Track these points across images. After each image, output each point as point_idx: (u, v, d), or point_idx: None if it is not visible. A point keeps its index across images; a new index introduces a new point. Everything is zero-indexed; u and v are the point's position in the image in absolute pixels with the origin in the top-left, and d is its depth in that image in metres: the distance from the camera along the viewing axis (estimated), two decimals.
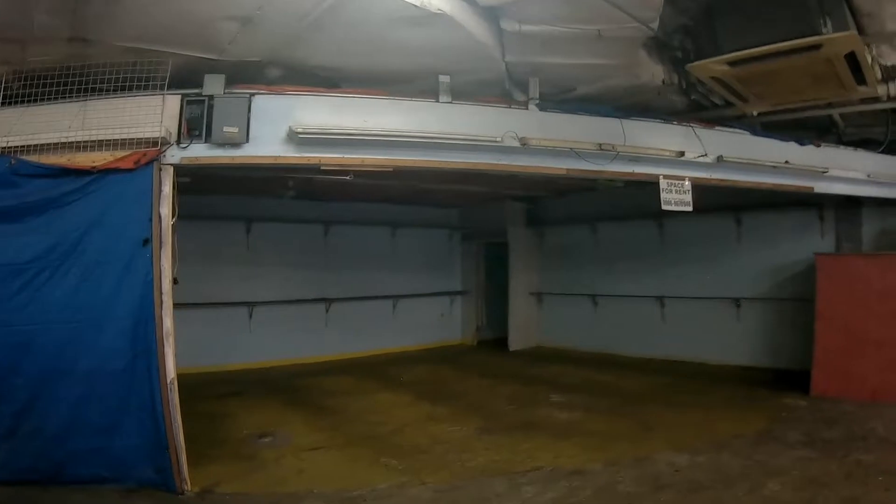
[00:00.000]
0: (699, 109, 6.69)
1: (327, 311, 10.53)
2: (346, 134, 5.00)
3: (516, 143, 5.43)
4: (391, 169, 5.35)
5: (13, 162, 4.53)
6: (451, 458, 5.51)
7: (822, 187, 7.10)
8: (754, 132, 6.83)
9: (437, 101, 5.40)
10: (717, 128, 6.52)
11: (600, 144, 5.61)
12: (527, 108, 5.76)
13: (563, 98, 6.07)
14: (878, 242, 8.05)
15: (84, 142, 4.58)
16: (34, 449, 4.54)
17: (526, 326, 11.66)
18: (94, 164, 4.56)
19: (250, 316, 9.73)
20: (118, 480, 4.60)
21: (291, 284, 10.16)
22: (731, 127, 6.65)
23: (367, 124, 5.06)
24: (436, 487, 4.80)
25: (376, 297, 11.03)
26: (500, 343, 11.71)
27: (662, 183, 5.99)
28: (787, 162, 6.68)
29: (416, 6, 4.18)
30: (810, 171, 6.84)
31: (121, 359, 4.56)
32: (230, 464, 5.29)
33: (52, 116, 4.64)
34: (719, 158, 6.20)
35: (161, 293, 4.65)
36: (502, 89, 5.82)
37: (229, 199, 9.35)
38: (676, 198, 6.05)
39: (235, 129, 4.76)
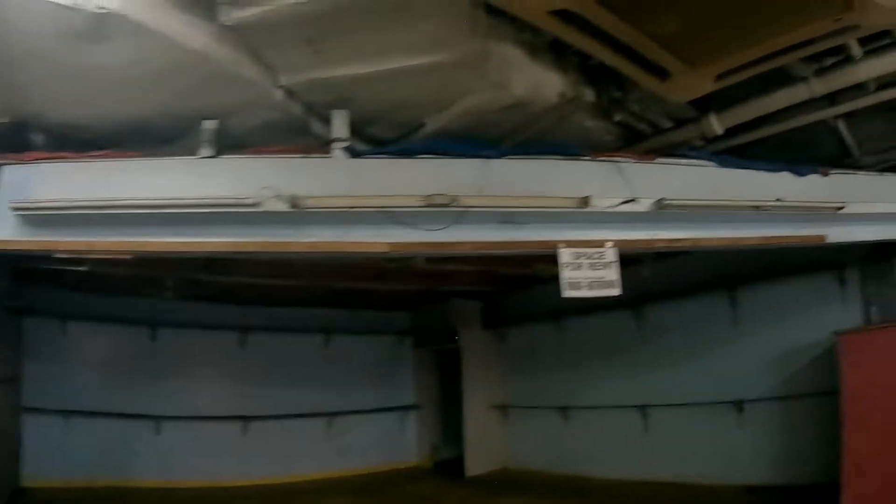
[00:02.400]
0: (637, 140, 4.93)
1: (245, 430, 8.90)
2: (78, 208, 3.73)
3: (283, 207, 3.69)
4: (129, 257, 4.15)
5: None
6: None
7: (838, 234, 4.96)
8: (723, 162, 4.73)
9: (198, 157, 4.00)
10: (659, 160, 4.30)
11: (430, 197, 3.15)
12: (329, 156, 4.06)
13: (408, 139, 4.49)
14: None
15: None
16: None
17: (487, 446, 9.59)
18: None
19: (157, 431, 8.34)
20: None
21: (204, 398, 8.80)
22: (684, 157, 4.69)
23: (108, 194, 3.76)
24: None
25: (305, 416, 9.36)
26: (462, 464, 9.70)
27: (563, 255, 3.52)
28: (778, 200, 4.53)
29: (66, 6, 2.99)
30: (817, 210, 4.74)
31: None
32: None
33: None
34: (660, 204, 3.66)
35: None
36: (310, 133, 4.31)
37: (133, 300, 8.29)
38: (590, 276, 3.64)
39: None
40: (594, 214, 4.03)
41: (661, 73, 3.58)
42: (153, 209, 3.68)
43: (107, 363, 8.29)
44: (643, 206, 4.04)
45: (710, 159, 4.65)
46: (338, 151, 4.00)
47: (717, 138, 4.81)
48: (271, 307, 9.24)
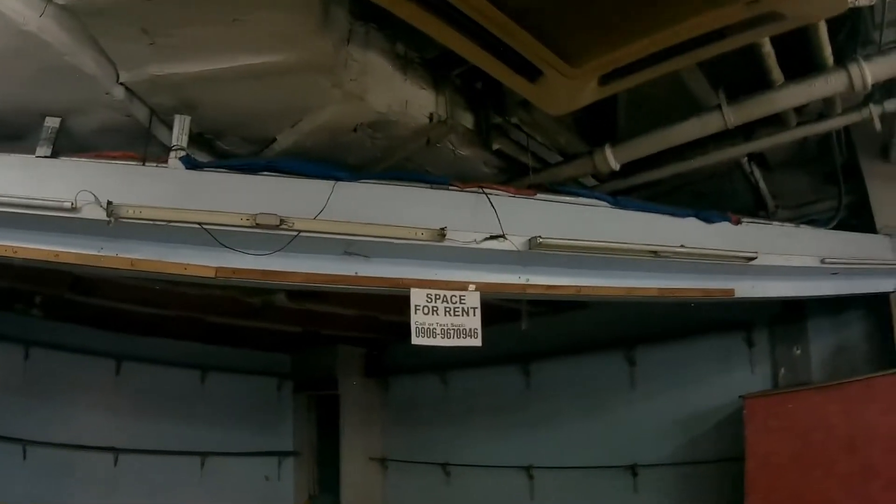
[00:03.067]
0: (519, 174, 4.55)
1: (116, 462, 8.13)
2: None
3: (100, 215, 3.14)
4: None
5: None
6: None
7: (747, 289, 4.57)
8: (618, 203, 4.28)
9: (34, 157, 3.49)
10: (541, 196, 3.77)
11: (257, 217, 2.71)
12: (164, 166, 3.55)
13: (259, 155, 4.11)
14: (833, 366, 5.42)
15: None
16: None
17: (364, 500, 8.99)
18: None
19: (24, 456, 7.51)
20: None
21: (75, 426, 8.00)
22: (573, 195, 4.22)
23: None
24: None
25: (178, 453, 8.62)
26: None
27: (415, 295, 3.04)
28: (682, 246, 4.07)
29: None
30: (726, 259, 4.26)
31: None
32: None
33: None
34: (533, 243, 3.23)
35: None
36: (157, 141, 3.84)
37: (7, 316, 7.38)
38: (446, 323, 3.08)
39: None
40: (455, 251, 3.57)
41: (533, 73, 2.97)
42: None
43: None
44: (514, 244, 3.58)
45: (602, 199, 4.24)
46: (174, 161, 3.51)
47: (614, 177, 4.46)
48: (149, 337, 8.57)
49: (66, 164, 3.42)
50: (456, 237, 3.45)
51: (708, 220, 4.42)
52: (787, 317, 5.61)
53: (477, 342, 3.56)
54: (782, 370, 5.66)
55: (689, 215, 4.38)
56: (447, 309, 3.51)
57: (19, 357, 7.73)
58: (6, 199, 3.09)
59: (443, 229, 3.37)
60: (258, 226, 3.12)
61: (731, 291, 4.49)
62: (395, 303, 3.82)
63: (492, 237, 3.50)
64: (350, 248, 3.41)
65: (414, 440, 8.83)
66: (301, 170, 3.55)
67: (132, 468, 8.23)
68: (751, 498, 4.74)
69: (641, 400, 6.55)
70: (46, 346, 7.84)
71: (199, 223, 3.17)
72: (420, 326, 3.44)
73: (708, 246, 4.17)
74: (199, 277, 3.35)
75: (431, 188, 3.74)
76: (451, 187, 3.76)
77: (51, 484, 7.63)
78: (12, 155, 3.41)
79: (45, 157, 3.43)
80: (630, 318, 6.39)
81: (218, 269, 3.28)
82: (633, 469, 6.37)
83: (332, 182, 3.45)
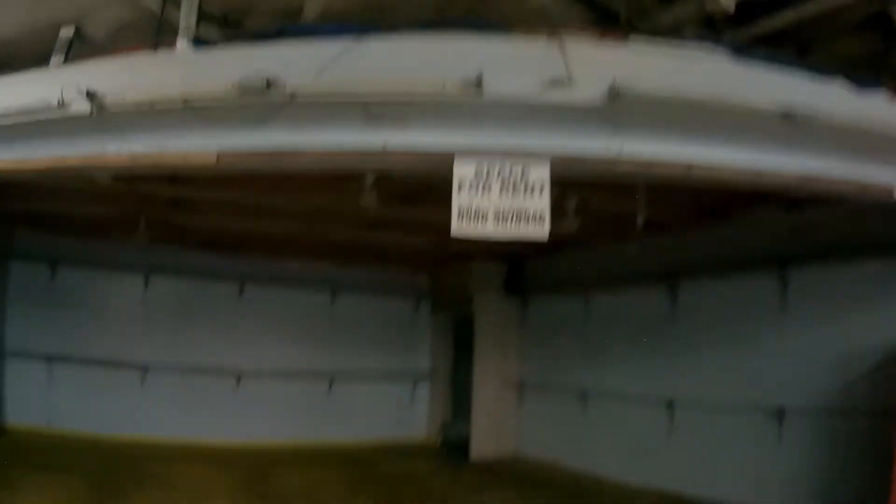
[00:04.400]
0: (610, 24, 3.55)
1: (238, 386, 8.23)
2: None
3: (84, 109, 2.86)
4: None
5: None
6: None
7: None
8: (738, 53, 3.08)
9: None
10: (634, 42, 2.99)
11: (245, 86, 2.66)
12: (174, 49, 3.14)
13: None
14: None
15: None
16: None
17: (497, 429, 8.27)
18: None
19: (142, 381, 7.90)
20: None
21: (195, 350, 8.20)
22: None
23: None
24: None
25: (307, 374, 8.57)
26: None
27: (460, 167, 2.69)
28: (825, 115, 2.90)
29: None
30: (886, 142, 3.08)
31: None
32: None
33: None
34: (615, 93, 2.29)
35: None
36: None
37: (130, 248, 7.66)
38: (504, 206, 2.41)
39: None
40: (515, 110, 2.64)
41: None
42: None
43: (96, 310, 8.03)
44: (587, 94, 2.55)
45: (716, 47, 3.03)
46: (181, 43, 3.07)
47: (728, 26, 3.15)
48: (275, 259, 8.50)
49: (75, 68, 3.22)
50: (495, 87, 2.52)
51: (860, 86, 3.09)
52: None
53: (542, 232, 2.67)
54: None
55: (833, 75, 3.08)
56: (504, 186, 2.65)
57: (141, 286, 8.09)
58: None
59: (479, 78, 2.45)
60: (244, 92, 2.51)
61: (891, 190, 3.13)
62: None
63: (555, 84, 2.50)
64: (372, 113, 2.66)
65: (552, 366, 7.97)
66: (317, 32, 2.86)
67: (255, 393, 8.33)
68: None
69: (791, 330, 5.27)
70: (169, 273, 8.09)
71: (184, 100, 2.66)
72: (465, 210, 2.62)
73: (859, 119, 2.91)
74: (202, 167, 2.89)
75: (481, 35, 2.80)
76: (507, 33, 2.79)
77: (170, 410, 7.99)
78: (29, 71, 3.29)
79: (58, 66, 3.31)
80: (784, 233, 5.27)
81: (220, 156, 2.79)
82: (779, 413, 5.19)
83: (349, 39, 2.70)
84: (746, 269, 5.58)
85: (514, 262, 8.40)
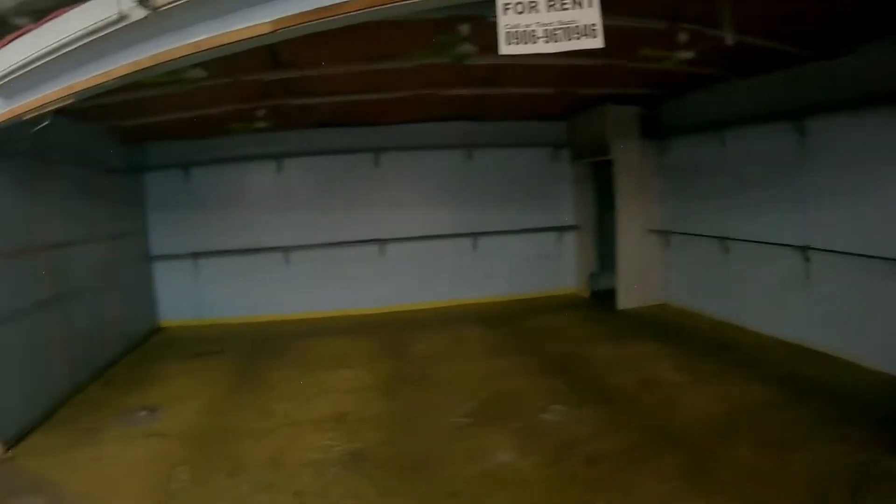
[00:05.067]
0: None
1: (381, 253, 8.70)
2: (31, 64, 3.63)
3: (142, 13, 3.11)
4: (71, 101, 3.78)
5: None
6: None
7: None
8: None
9: None
10: None
11: None
12: None
13: None
14: None
15: None
16: None
17: (643, 277, 8.14)
18: None
19: (286, 262, 8.57)
20: None
21: (335, 225, 8.65)
22: None
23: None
24: None
25: (448, 236, 8.81)
26: None
27: None
28: None
29: None
30: None
31: None
32: (67, 436, 4.86)
33: None
34: None
35: None
36: None
37: (260, 137, 8.11)
38: (553, 20, 2.71)
39: None
40: None
41: None
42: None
43: (234, 202, 8.45)
44: None
45: None
46: None
47: None
48: (406, 124, 8.52)
49: None
50: None
51: None
52: None
53: (596, 42, 2.72)
54: None
55: None
56: (551, 2, 2.73)
57: (272, 171, 8.48)
58: (71, 37, 3.36)
59: None
60: None
61: None
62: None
63: None
64: None
65: (692, 212, 7.58)
66: None
67: (399, 259, 8.73)
68: None
69: None
70: (299, 154, 8.38)
71: None
72: (512, 30, 2.78)
73: None
74: (257, 38, 3.06)
75: None
76: None
77: (316, 286, 8.57)
78: None
79: None
80: None
81: (274, 23, 2.96)
82: None
83: None
84: (873, 106, 4.77)
85: (649, 104, 7.85)
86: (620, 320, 7.66)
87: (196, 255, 8.39)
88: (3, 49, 3.78)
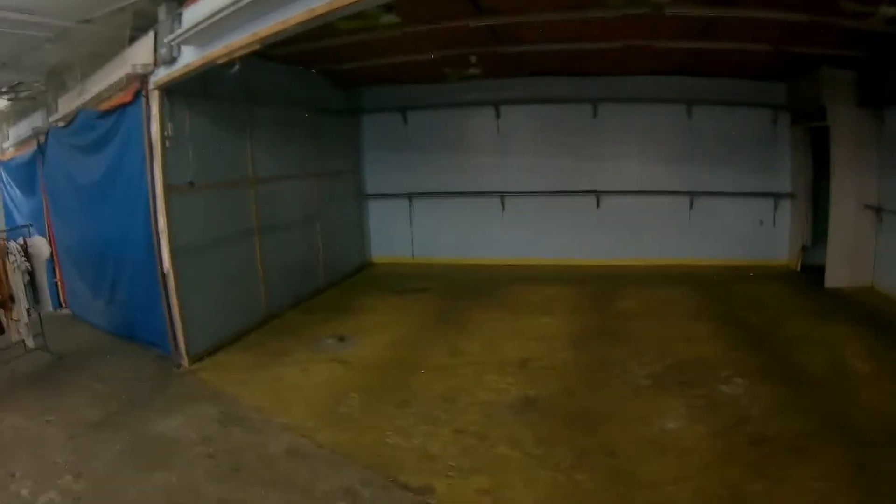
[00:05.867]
0: None
1: (598, 205, 8.88)
2: (214, 17, 4.35)
3: None
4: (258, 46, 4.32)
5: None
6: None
7: None
8: None
9: None
10: None
11: None
12: None
13: None
14: None
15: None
16: (119, 313, 6.43)
17: (853, 254, 7.46)
18: (112, 104, 5.77)
19: (502, 208, 9.02)
20: (159, 346, 5.94)
21: (551, 174, 8.98)
22: None
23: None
24: None
25: (663, 193, 8.77)
26: None
27: None
28: None
29: None
30: None
31: (143, 249, 5.72)
32: (254, 356, 5.67)
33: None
34: None
35: (154, 197, 5.51)
36: None
37: (477, 83, 8.62)
38: None
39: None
40: None
41: None
42: None
43: (451, 147, 8.97)
44: None
45: None
46: None
47: None
48: (623, 76, 8.47)
49: None
50: None
51: None
52: None
53: None
54: None
55: None
56: None
57: (491, 117, 8.87)
58: None
59: None
60: None
61: None
62: None
63: None
64: None
65: None
66: None
67: (612, 213, 8.87)
68: None
69: None
70: (514, 101, 8.66)
71: None
72: None
73: None
74: None
75: None
76: None
77: (528, 234, 8.93)
78: None
79: None
80: None
81: None
82: None
83: None
84: None
85: (867, 70, 6.99)
86: (825, 299, 7.18)
87: (411, 196, 9.04)
88: (196, 4, 4.64)
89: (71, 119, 6.64)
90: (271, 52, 5.84)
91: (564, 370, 4.96)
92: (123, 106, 5.73)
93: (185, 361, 5.70)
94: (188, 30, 4.75)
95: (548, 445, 3.78)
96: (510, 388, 4.62)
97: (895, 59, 6.41)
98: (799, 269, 8.50)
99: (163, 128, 5.49)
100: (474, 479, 3.46)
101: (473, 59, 7.12)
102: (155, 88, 5.46)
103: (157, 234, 5.58)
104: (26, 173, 8.19)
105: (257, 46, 4.36)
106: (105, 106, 6.00)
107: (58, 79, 7.40)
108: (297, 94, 7.66)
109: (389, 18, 5.32)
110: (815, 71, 7.35)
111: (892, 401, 4.26)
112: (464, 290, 7.64)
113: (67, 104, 6.96)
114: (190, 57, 5.06)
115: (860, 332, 5.71)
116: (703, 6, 5.18)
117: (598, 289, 7.57)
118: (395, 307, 7.07)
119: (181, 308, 5.63)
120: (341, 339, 6.07)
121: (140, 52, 5.51)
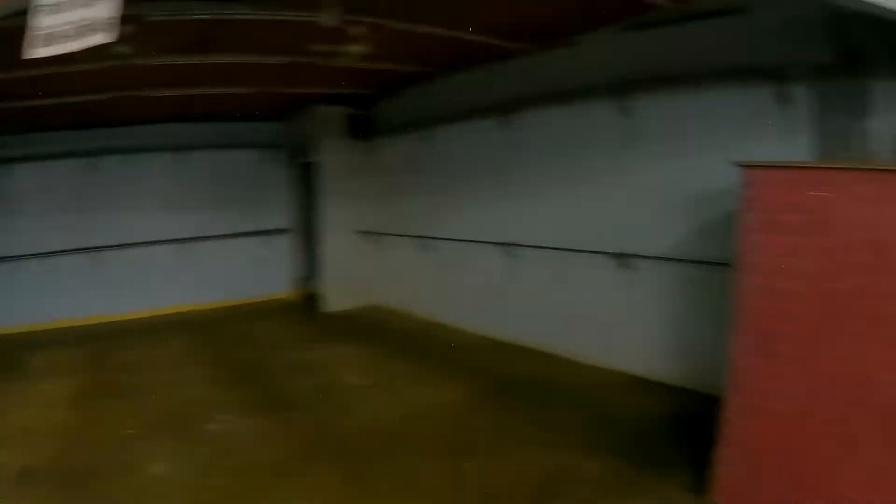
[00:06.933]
0: None
1: (98, 262, 7.99)
2: None
3: None
4: None
5: None
6: None
7: None
8: None
9: None
10: None
11: None
12: None
13: None
14: None
15: None
16: None
17: (351, 278, 8.30)
18: None
19: None
20: None
21: (51, 234, 7.79)
22: None
23: None
24: None
25: (163, 242, 8.31)
26: None
27: None
28: None
29: None
30: None
31: None
32: None
33: None
34: None
35: None
36: None
37: None
38: (76, 19, 2.54)
39: None
40: None
41: None
42: None
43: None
44: None
45: None
46: None
47: None
48: (120, 128, 7.89)
49: None
50: None
51: None
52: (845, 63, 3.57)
53: (111, 37, 2.64)
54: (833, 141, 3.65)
55: None
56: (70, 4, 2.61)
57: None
58: None
59: None
60: None
61: None
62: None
63: None
64: None
65: (402, 211, 7.88)
66: None
67: (111, 267, 8.01)
68: (736, 340, 2.93)
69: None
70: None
71: None
72: (48, 33, 2.61)
73: None
74: None
75: None
76: None
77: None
78: None
79: None
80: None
81: None
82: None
83: None
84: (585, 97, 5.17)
85: (365, 105, 8.02)
86: (325, 323, 7.66)
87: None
88: None
89: None
90: None
91: (63, 432, 4.49)
92: None
93: None
94: None
95: None
96: (14, 461, 4.03)
97: (387, 93, 7.38)
98: (302, 299, 8.89)
99: None
100: None
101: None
102: None
103: None
104: None
105: None
106: None
107: None
108: None
109: None
110: (309, 109, 7.95)
111: (381, 410, 4.64)
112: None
113: None
114: None
115: (357, 349, 6.28)
116: (175, 55, 4.98)
117: (103, 345, 6.95)
118: None
119: None
120: None
121: None
